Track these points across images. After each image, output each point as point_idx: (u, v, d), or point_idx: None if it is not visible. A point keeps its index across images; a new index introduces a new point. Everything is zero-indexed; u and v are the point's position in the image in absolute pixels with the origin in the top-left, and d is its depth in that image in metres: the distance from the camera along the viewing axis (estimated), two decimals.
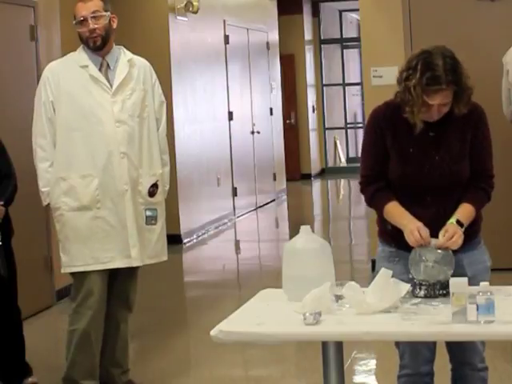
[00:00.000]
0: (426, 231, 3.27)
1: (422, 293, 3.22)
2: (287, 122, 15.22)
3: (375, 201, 3.45)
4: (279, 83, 13.52)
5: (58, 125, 4.48)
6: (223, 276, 8.37)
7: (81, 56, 4.54)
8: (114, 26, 4.53)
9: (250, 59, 12.19)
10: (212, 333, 3.01)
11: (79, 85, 4.49)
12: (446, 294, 3.10)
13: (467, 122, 3.36)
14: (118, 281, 4.67)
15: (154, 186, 4.65)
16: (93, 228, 4.49)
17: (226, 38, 11.12)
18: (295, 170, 15.40)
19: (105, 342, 4.69)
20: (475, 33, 7.10)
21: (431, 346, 3.47)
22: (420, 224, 3.29)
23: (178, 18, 9.66)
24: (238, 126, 11.50)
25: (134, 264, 4.57)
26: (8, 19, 6.35)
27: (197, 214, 9.98)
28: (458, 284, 2.93)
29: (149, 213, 4.65)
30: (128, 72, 4.55)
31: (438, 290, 3.20)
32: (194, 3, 9.70)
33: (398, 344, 3.50)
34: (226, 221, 10.86)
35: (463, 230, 3.29)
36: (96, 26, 4.44)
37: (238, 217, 11.31)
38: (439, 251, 3.24)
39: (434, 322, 2.95)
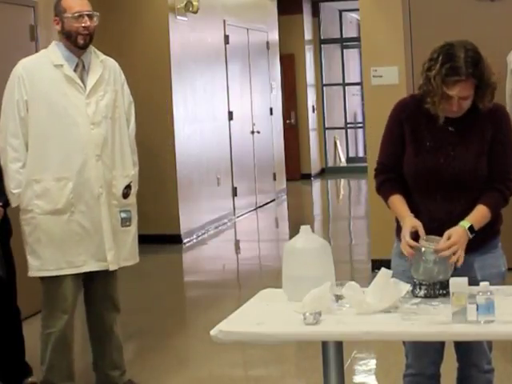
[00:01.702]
0: (421, 231, 3.27)
1: (422, 293, 3.21)
2: (287, 121, 15.22)
3: (382, 190, 3.49)
4: (279, 83, 13.51)
5: (31, 125, 4.37)
6: (223, 276, 8.37)
7: (55, 54, 4.44)
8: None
9: (250, 59, 12.19)
10: (212, 333, 3.01)
11: (54, 85, 4.39)
12: (446, 294, 3.09)
13: (488, 122, 3.36)
14: (98, 284, 4.59)
15: (128, 187, 4.57)
16: (67, 232, 4.40)
17: (226, 38, 11.12)
18: (295, 170, 15.40)
19: (101, 348, 4.65)
20: (475, 33, 7.04)
21: (438, 347, 3.46)
22: (416, 224, 3.29)
23: (178, 17, 9.66)
24: (238, 125, 11.49)
25: (111, 268, 4.48)
26: (8, 19, 6.35)
27: (197, 214, 9.98)
28: (458, 284, 2.93)
29: (123, 214, 4.56)
30: (101, 73, 4.49)
31: (438, 290, 3.20)
32: (194, 3, 9.70)
33: (404, 342, 3.50)
34: (225, 221, 10.86)
35: (472, 234, 3.26)
36: (90, 24, 4.41)
37: (238, 217, 11.30)
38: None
39: (433, 321, 2.95)
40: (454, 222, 3.28)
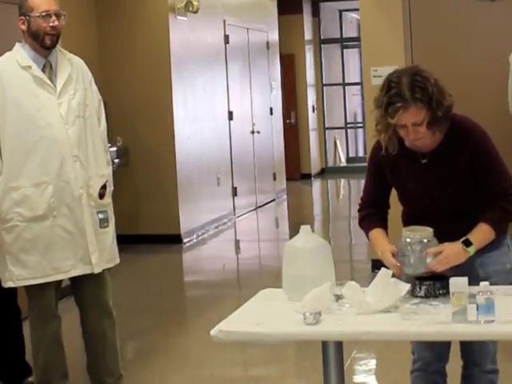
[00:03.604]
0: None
1: (422, 292, 3.21)
2: (287, 121, 15.22)
3: (363, 225, 3.56)
4: (279, 83, 13.51)
5: (4, 131, 4.24)
6: (223, 276, 8.37)
7: (21, 55, 4.32)
8: None
9: (249, 59, 12.19)
10: (212, 332, 3.01)
11: (24, 88, 4.27)
12: (446, 294, 3.09)
13: (463, 151, 3.30)
14: (86, 289, 4.49)
15: (103, 187, 4.46)
16: (52, 237, 4.30)
17: (226, 38, 11.12)
18: (295, 170, 15.40)
19: (94, 353, 4.57)
20: (475, 33, 7.10)
21: (443, 345, 3.46)
22: (393, 249, 3.31)
23: (178, 17, 9.66)
24: (238, 125, 11.49)
25: (96, 270, 4.38)
26: (8, 19, 6.34)
27: (197, 214, 9.98)
28: (458, 284, 2.93)
29: (101, 215, 4.43)
30: (69, 72, 4.38)
31: (438, 290, 3.20)
32: (194, 3, 9.70)
33: None
34: (225, 221, 10.86)
35: (470, 247, 3.25)
36: (57, 23, 4.28)
37: (238, 217, 11.31)
38: (425, 241, 3.23)
39: (433, 321, 2.95)
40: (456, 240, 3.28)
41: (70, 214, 4.33)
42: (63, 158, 4.29)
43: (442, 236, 3.27)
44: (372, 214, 3.52)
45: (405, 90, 3.14)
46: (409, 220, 3.46)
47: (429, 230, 3.26)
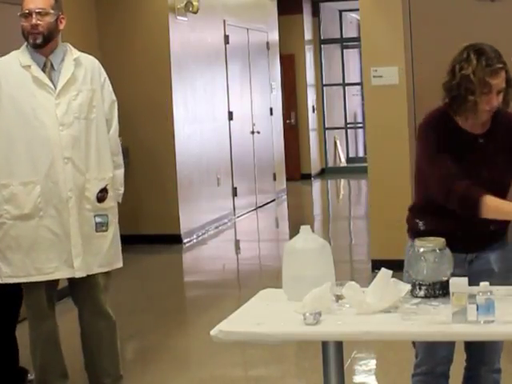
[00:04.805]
0: None
1: (422, 293, 3.21)
2: (287, 121, 15.22)
3: (471, 193, 3.21)
4: (279, 83, 13.52)
5: None
6: (223, 276, 8.37)
7: (23, 55, 4.32)
8: (61, 26, 4.34)
9: (249, 59, 12.19)
10: (212, 333, 3.01)
11: (22, 87, 4.26)
12: (446, 294, 3.09)
13: (510, 136, 3.37)
14: (82, 291, 4.47)
15: (104, 190, 4.40)
16: (36, 237, 4.28)
17: (226, 38, 11.12)
18: (295, 170, 15.40)
19: (90, 354, 4.56)
20: (475, 33, 7.08)
21: (449, 347, 3.46)
22: None
23: (178, 17, 9.66)
24: (238, 125, 11.50)
25: (77, 275, 4.32)
26: (8, 19, 6.34)
27: (197, 214, 9.98)
28: (458, 284, 2.93)
29: (98, 219, 4.38)
30: (73, 72, 4.32)
31: (438, 290, 3.20)
32: (194, 3, 9.70)
33: (414, 342, 3.50)
34: (225, 221, 10.86)
35: None
36: (39, 22, 4.22)
37: (238, 217, 11.31)
38: (438, 250, 3.23)
39: (433, 321, 2.95)
40: (487, 229, 3.28)
41: (57, 215, 4.30)
42: (53, 158, 4.27)
43: (468, 224, 3.27)
44: (472, 184, 3.23)
45: (492, 56, 3.28)
46: (430, 208, 3.39)
47: (441, 240, 3.23)
